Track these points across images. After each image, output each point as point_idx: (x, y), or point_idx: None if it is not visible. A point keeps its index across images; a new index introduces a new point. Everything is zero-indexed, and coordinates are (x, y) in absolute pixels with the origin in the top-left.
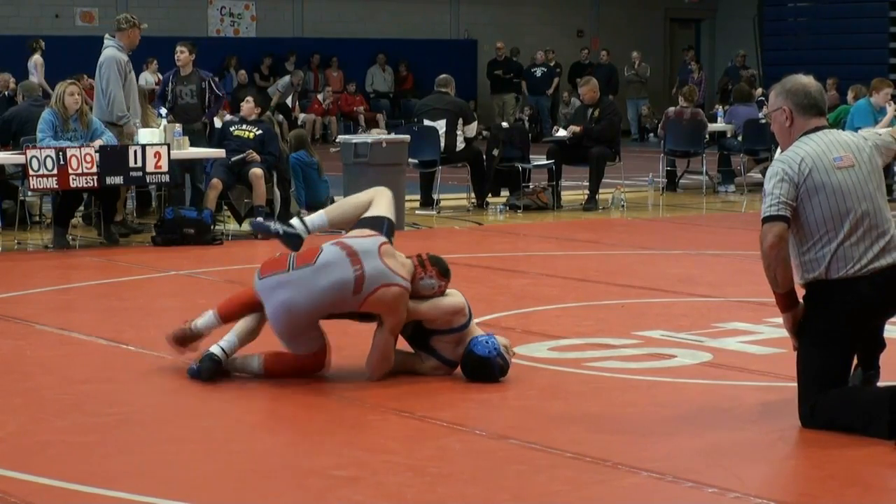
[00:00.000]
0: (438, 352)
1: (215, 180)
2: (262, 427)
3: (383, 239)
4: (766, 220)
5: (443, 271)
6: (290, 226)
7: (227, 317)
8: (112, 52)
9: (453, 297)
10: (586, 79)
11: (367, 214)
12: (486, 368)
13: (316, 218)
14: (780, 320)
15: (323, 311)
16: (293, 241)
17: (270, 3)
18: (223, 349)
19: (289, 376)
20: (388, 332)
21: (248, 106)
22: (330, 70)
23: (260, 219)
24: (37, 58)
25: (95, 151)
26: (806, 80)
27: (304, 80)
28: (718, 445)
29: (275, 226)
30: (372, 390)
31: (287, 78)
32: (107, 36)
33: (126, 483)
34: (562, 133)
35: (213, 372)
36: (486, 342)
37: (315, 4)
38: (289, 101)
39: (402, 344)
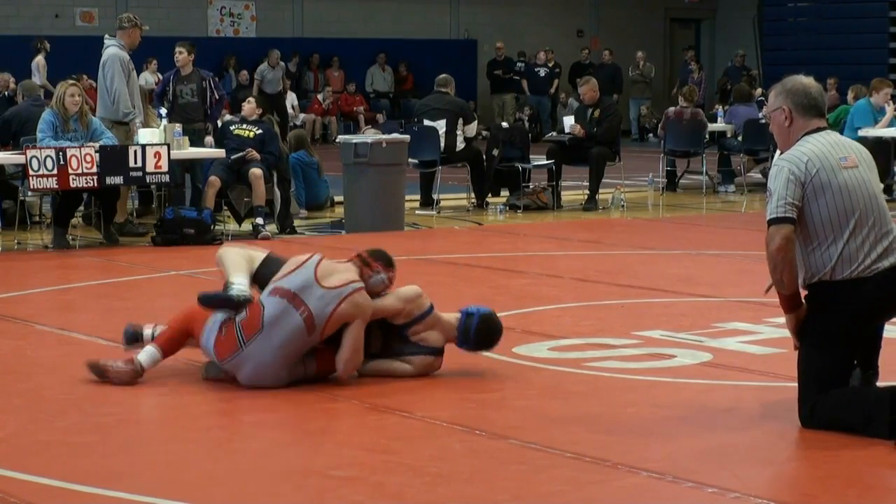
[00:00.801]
0: (421, 343)
1: (213, 178)
2: (262, 427)
3: (316, 259)
4: (773, 221)
5: (387, 263)
6: (242, 292)
7: (169, 350)
8: (114, 50)
9: (406, 286)
10: (586, 78)
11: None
12: (495, 322)
13: (242, 278)
14: (780, 320)
15: (291, 359)
16: (246, 305)
17: (270, 3)
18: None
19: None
20: (357, 325)
21: (249, 106)
22: (330, 70)
23: (212, 292)
24: (39, 59)
25: (95, 151)
26: (806, 81)
27: (304, 80)
28: (718, 445)
29: (238, 297)
30: (372, 390)
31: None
32: (107, 36)
33: (126, 483)
34: (567, 121)
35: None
36: (480, 307)
37: (315, 4)
38: (290, 103)
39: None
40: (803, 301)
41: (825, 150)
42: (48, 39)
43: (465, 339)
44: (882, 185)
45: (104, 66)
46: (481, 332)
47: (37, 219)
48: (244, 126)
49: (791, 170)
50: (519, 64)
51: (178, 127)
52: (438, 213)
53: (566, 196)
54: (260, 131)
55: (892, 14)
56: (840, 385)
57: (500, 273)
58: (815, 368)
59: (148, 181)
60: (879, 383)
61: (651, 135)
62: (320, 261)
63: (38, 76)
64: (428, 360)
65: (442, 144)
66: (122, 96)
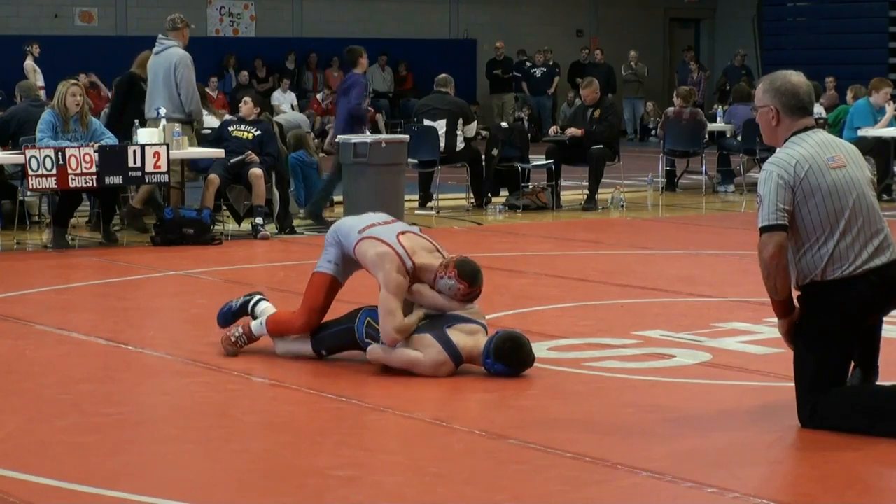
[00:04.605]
0: (452, 340)
1: (212, 176)
2: (262, 427)
3: (415, 229)
4: (766, 229)
5: (463, 273)
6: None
7: (273, 333)
8: (180, 51)
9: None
10: (588, 80)
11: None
12: (517, 338)
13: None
14: None
15: (337, 238)
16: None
17: (269, 3)
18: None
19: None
20: (383, 287)
21: (247, 107)
22: (330, 70)
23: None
24: (28, 63)
25: (94, 151)
26: (796, 80)
27: (303, 80)
28: (718, 445)
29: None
30: (371, 390)
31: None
32: (160, 36)
33: (126, 483)
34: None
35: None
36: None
37: (314, 4)
38: (289, 103)
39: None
40: (795, 305)
41: (813, 151)
42: (47, 39)
43: (486, 353)
44: (873, 181)
45: (176, 69)
46: (498, 344)
47: (36, 219)
48: (242, 127)
49: (780, 174)
50: (528, 64)
51: (177, 127)
52: (438, 213)
53: (565, 196)
54: (258, 132)
55: (892, 14)
56: (838, 384)
57: (500, 273)
58: (813, 369)
59: (147, 181)
60: (881, 382)
61: (653, 132)
62: (416, 233)
63: (32, 78)
64: (443, 359)
65: (442, 144)
66: (196, 98)
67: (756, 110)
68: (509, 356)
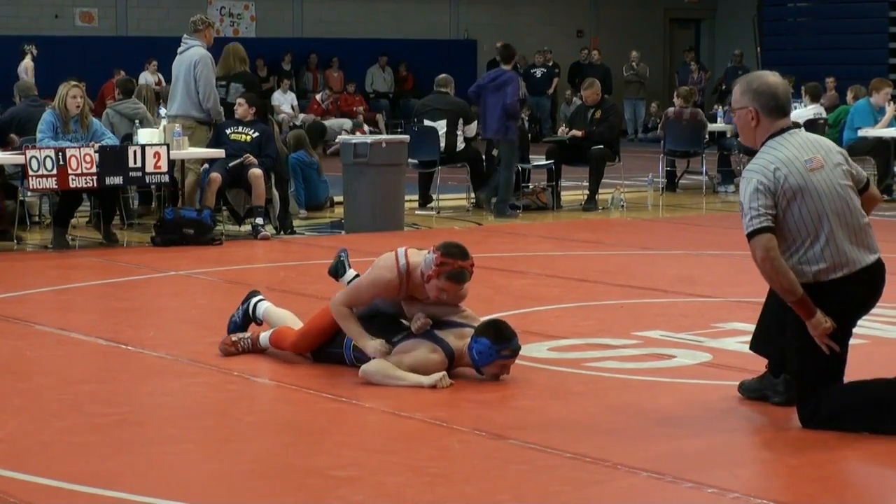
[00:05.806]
0: (444, 340)
1: (214, 174)
2: (262, 427)
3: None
4: (750, 236)
5: (440, 246)
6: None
7: (273, 346)
8: (202, 51)
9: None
10: (590, 81)
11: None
12: (502, 320)
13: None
14: None
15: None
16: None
17: (270, 4)
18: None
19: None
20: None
21: (242, 109)
22: (330, 70)
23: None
24: (27, 62)
25: (95, 152)
26: (773, 81)
27: (304, 81)
28: (718, 445)
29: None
30: (371, 390)
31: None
32: (185, 36)
33: (126, 483)
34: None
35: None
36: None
37: (315, 5)
38: (289, 103)
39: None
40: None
41: (791, 154)
42: (47, 39)
43: (470, 341)
44: (859, 174)
45: (195, 67)
46: (478, 328)
47: (36, 219)
48: (240, 129)
49: (759, 181)
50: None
51: (177, 127)
52: (438, 213)
53: (566, 196)
54: (256, 134)
55: (892, 14)
56: (836, 382)
57: (500, 273)
58: (812, 370)
59: (147, 181)
60: (881, 377)
61: (654, 131)
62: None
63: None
64: (436, 357)
65: (442, 144)
66: (214, 96)
67: (734, 111)
68: (490, 329)
